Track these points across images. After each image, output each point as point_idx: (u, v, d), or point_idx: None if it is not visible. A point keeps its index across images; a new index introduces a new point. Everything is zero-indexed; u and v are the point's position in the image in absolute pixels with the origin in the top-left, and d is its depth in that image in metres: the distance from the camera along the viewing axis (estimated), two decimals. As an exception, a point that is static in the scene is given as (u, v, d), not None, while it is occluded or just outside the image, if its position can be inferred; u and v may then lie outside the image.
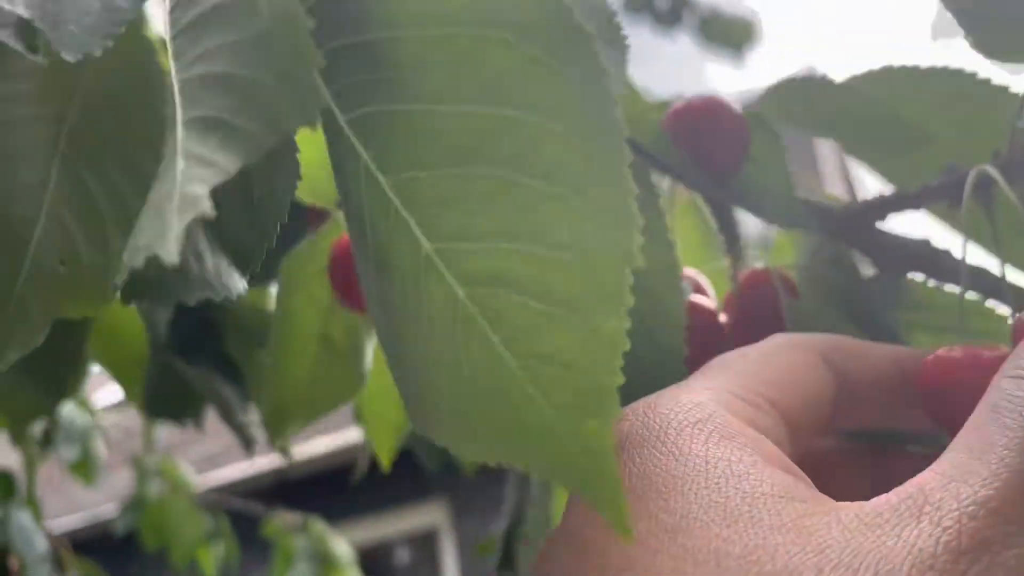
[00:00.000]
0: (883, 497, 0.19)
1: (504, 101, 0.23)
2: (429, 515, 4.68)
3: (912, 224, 0.45)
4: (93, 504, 3.32)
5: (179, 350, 0.86)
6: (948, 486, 0.18)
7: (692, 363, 0.32)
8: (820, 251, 0.41)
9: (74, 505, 3.50)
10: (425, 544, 4.89)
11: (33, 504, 1.16)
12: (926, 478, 0.19)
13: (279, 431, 0.51)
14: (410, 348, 0.25)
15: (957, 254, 0.40)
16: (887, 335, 0.40)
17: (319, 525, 2.02)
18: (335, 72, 0.25)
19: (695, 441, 0.21)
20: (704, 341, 0.38)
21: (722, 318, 0.41)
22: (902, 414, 0.28)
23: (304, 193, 0.50)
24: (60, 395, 0.56)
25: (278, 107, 0.21)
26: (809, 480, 0.21)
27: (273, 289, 0.59)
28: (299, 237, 0.50)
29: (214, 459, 3.70)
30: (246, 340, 0.81)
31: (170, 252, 0.18)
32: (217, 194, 0.24)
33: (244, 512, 2.17)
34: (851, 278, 0.42)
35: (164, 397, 0.88)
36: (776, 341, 0.25)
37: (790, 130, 0.41)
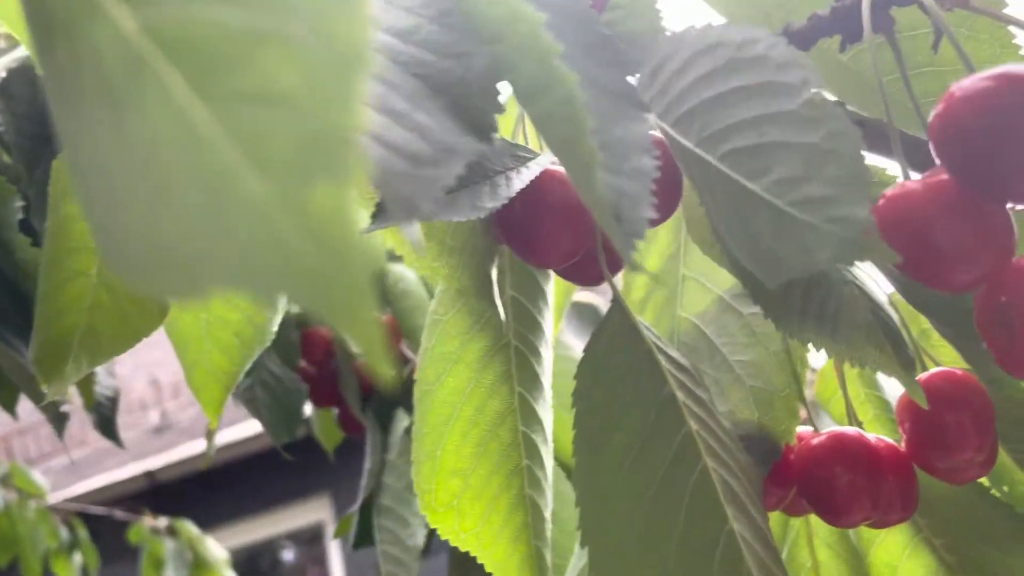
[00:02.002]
0: None
1: None
2: (313, 512, 4.55)
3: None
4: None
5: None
6: None
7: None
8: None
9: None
10: (311, 541, 4.76)
11: None
12: None
13: (53, 371, 0.38)
14: (84, 144, 0.16)
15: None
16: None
17: (189, 528, 1.91)
18: None
19: None
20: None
21: None
22: None
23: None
24: None
25: None
26: None
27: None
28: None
29: (79, 469, 3.51)
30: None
31: None
32: None
33: (109, 519, 2.05)
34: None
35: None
36: None
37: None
